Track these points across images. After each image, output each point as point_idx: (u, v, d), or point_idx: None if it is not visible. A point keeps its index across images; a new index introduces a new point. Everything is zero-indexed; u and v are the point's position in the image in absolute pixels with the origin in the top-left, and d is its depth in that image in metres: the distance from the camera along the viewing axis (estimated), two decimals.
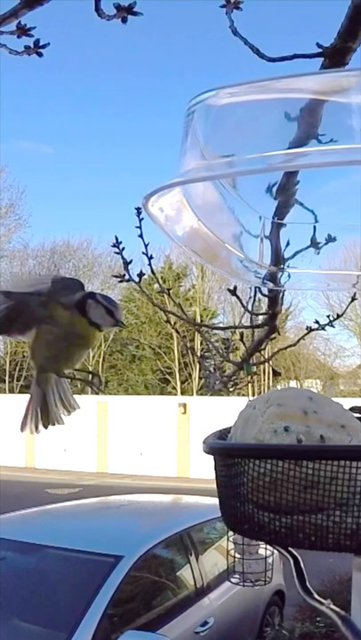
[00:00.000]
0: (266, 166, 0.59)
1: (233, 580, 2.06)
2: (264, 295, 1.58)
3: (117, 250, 1.67)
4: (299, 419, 0.72)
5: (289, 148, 0.58)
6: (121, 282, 1.77)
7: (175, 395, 20.39)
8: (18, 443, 16.89)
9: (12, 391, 21.91)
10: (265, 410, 0.74)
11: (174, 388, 21.84)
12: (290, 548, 0.74)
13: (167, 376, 22.40)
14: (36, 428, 1.21)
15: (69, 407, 1.22)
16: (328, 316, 1.80)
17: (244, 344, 1.78)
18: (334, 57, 1.16)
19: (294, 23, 25.97)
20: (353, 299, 1.71)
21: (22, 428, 1.21)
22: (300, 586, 0.73)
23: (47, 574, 3.77)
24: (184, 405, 16.03)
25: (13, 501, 7.87)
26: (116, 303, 1.14)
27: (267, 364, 2.06)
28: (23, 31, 1.27)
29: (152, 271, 1.76)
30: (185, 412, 15.88)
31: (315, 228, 0.95)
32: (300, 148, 0.57)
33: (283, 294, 1.66)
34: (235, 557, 2.03)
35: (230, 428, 0.81)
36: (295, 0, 19.94)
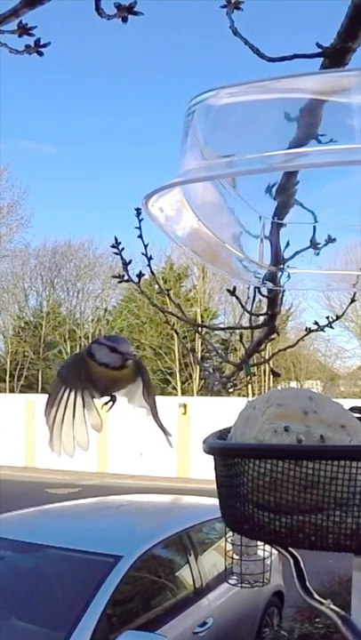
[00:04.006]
0: (266, 166, 0.59)
1: (231, 581, 2.05)
2: (263, 296, 1.58)
3: (117, 250, 1.67)
4: (299, 419, 0.72)
5: (289, 148, 0.58)
6: (120, 282, 1.77)
7: (176, 395, 20.38)
8: (18, 442, 16.89)
9: (12, 391, 21.92)
10: (265, 410, 0.74)
11: (175, 388, 21.84)
12: (290, 548, 0.74)
13: (168, 376, 22.39)
14: None
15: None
16: (327, 317, 1.80)
17: (243, 345, 1.78)
18: (334, 57, 1.16)
19: (294, 23, 25.98)
20: (352, 300, 1.71)
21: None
22: (300, 586, 0.73)
23: (46, 574, 3.77)
24: (184, 406, 16.02)
25: (13, 501, 7.87)
26: (118, 339, 1.15)
27: (266, 364, 2.05)
28: (24, 30, 1.27)
29: (152, 272, 1.76)
30: (185, 413, 15.87)
31: (315, 228, 0.95)
32: (300, 148, 0.57)
33: (283, 295, 1.66)
34: (233, 558, 2.02)
35: (230, 428, 0.81)
36: (295, 0, 19.95)
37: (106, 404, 1.23)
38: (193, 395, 20.31)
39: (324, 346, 22.31)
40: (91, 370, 1.13)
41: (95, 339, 1.18)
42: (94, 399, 1.18)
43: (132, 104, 29.97)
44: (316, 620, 4.23)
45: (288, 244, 0.97)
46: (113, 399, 1.22)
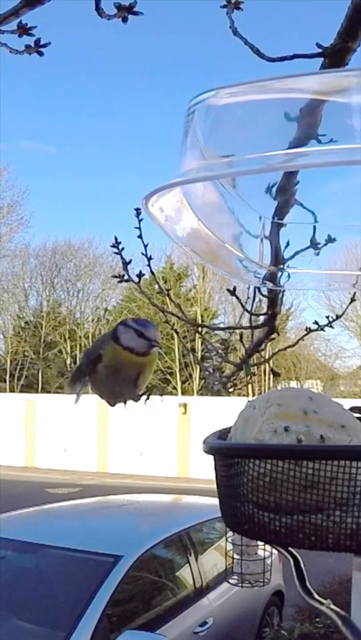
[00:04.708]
0: (266, 166, 0.59)
1: (231, 580, 2.05)
2: (264, 296, 1.58)
3: (117, 250, 1.67)
4: (299, 419, 0.72)
5: (289, 148, 0.58)
6: (120, 282, 1.77)
7: (176, 395, 20.38)
8: (18, 442, 16.89)
9: (12, 390, 21.91)
10: (265, 410, 0.74)
11: (175, 388, 21.83)
12: (290, 548, 0.74)
13: (168, 376, 22.38)
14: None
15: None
16: (327, 317, 1.80)
17: (243, 345, 1.78)
18: (334, 57, 1.16)
19: (294, 23, 25.97)
20: (352, 299, 1.71)
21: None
22: (300, 586, 0.73)
23: (46, 574, 3.77)
24: (184, 405, 16.02)
25: (13, 501, 7.87)
26: (147, 323, 1.09)
27: (266, 364, 2.05)
28: (24, 30, 1.27)
29: (152, 272, 1.76)
30: (185, 413, 15.87)
31: (315, 228, 0.95)
32: (300, 148, 0.57)
33: (283, 295, 1.66)
34: (233, 558, 2.02)
35: (230, 428, 0.81)
36: (295, 0, 19.96)
37: (148, 398, 1.18)
38: (193, 395, 20.31)
39: (325, 345, 22.32)
40: (116, 357, 1.08)
41: (123, 320, 1.12)
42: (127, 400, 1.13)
43: (133, 104, 29.98)
44: (317, 619, 4.23)
45: (288, 243, 0.97)
46: (150, 392, 1.17)
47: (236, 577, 2.02)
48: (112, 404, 1.20)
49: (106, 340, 1.13)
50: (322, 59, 1.18)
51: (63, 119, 30.89)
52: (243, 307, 1.65)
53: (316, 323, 1.80)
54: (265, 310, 1.67)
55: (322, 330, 1.79)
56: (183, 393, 20.95)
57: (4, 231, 23.39)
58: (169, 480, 14.49)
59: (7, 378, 22.43)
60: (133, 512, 5.04)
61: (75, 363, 22.94)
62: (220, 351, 1.90)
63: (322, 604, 0.72)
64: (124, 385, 1.13)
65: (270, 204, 0.89)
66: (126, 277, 1.74)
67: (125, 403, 1.17)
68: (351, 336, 21.82)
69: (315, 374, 22.38)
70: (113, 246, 1.68)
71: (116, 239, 1.67)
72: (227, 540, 2.09)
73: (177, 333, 2.50)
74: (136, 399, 1.18)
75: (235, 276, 0.98)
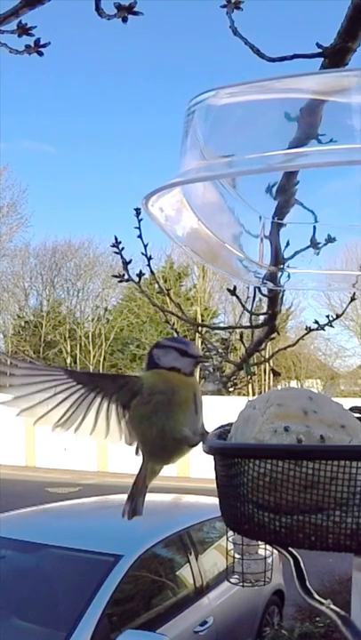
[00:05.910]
0: (266, 166, 0.59)
1: (232, 580, 2.05)
2: (264, 295, 1.58)
3: (117, 250, 1.67)
4: (299, 419, 0.72)
5: (289, 148, 0.58)
6: (120, 282, 1.77)
7: None
8: (18, 442, 16.89)
9: None
10: (265, 410, 0.74)
11: None
12: (290, 548, 0.74)
13: None
14: None
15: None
16: (328, 316, 1.80)
17: (243, 344, 1.78)
18: (334, 57, 1.16)
19: (294, 23, 25.93)
20: (352, 299, 1.71)
21: None
22: (300, 586, 0.73)
23: (47, 573, 3.77)
24: None
25: (14, 500, 7.87)
26: (184, 340, 1.02)
27: (267, 364, 2.05)
28: (24, 30, 1.27)
29: (151, 271, 1.76)
30: None
31: (315, 228, 0.95)
32: (300, 148, 0.57)
33: (283, 294, 1.66)
34: (234, 557, 2.02)
35: (230, 427, 0.81)
36: (295, 0, 19.96)
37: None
38: None
39: (325, 345, 22.33)
40: (164, 380, 0.96)
41: (156, 342, 1.02)
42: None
43: (133, 104, 29.95)
44: (317, 618, 4.23)
45: (288, 243, 0.97)
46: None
47: (236, 576, 2.01)
48: (166, 456, 1.06)
49: (139, 376, 1.01)
50: (322, 59, 1.18)
51: (63, 119, 30.89)
52: (243, 306, 1.65)
53: (316, 322, 1.81)
54: (265, 310, 1.67)
55: (322, 329, 1.79)
56: None
57: (3, 231, 23.38)
58: (169, 480, 14.47)
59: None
60: None
61: (75, 362, 22.95)
62: (220, 351, 1.91)
63: (322, 603, 0.72)
64: (189, 413, 0.97)
65: (270, 203, 0.89)
66: (126, 277, 1.74)
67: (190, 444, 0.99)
68: (351, 335, 21.84)
69: (315, 373, 22.38)
70: (113, 246, 1.68)
71: (116, 239, 1.68)
72: (228, 539, 2.09)
73: (177, 333, 2.50)
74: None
75: (235, 275, 0.98)
